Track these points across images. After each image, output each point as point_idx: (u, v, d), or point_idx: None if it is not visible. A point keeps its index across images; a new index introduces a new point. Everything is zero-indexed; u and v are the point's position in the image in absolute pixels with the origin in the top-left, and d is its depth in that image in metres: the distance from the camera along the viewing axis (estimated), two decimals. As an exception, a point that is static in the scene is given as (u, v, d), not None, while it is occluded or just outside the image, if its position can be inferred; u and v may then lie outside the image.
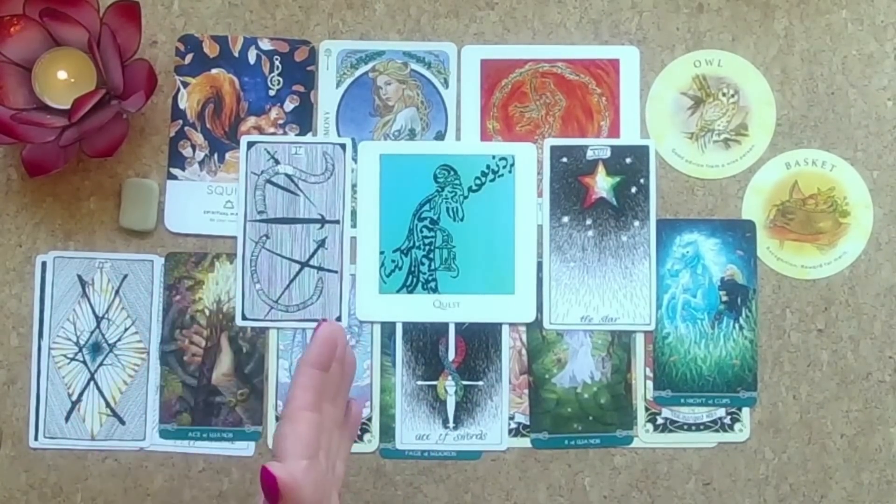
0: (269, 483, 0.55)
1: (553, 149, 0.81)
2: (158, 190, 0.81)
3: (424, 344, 0.81)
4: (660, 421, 0.80)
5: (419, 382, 0.81)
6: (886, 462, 0.80)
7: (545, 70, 0.82)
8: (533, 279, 0.81)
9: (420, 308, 0.81)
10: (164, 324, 0.81)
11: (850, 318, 0.81)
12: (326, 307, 0.81)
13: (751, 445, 0.80)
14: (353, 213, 0.81)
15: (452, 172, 0.81)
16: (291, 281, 0.81)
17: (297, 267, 0.81)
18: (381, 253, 0.81)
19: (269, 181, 0.81)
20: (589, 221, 0.81)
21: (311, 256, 0.81)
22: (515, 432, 0.80)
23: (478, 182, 0.81)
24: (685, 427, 0.80)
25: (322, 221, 0.81)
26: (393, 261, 0.81)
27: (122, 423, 0.80)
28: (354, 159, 0.81)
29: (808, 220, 0.81)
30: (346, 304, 0.81)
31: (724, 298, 0.81)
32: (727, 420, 0.80)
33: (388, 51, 0.82)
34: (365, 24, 0.82)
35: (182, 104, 0.82)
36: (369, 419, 0.80)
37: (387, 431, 0.80)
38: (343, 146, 0.81)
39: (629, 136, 0.82)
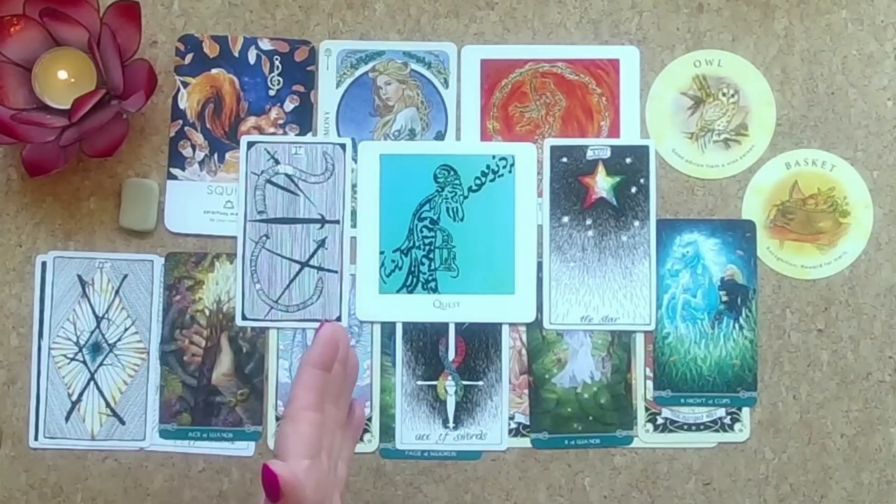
0: (271, 482, 0.55)
1: (553, 149, 0.81)
2: (158, 190, 0.81)
3: (424, 344, 0.81)
4: (660, 421, 0.80)
5: (419, 382, 0.81)
6: (886, 462, 0.80)
7: (545, 70, 0.82)
8: (533, 279, 0.81)
9: (420, 308, 0.81)
10: (164, 324, 0.81)
11: (850, 318, 0.81)
12: (326, 307, 0.81)
13: (751, 445, 0.80)
14: (353, 213, 0.81)
15: (452, 172, 0.81)
16: (291, 281, 0.81)
17: (297, 267, 0.81)
18: (381, 253, 0.81)
19: (269, 181, 0.81)
20: (589, 221, 0.81)
21: (311, 256, 0.81)
22: (515, 432, 0.80)
23: (478, 182, 0.81)
24: (685, 427, 0.80)
25: (322, 221, 0.81)
26: (393, 261, 0.81)
27: (122, 423, 0.80)
28: (354, 159, 0.81)
29: (808, 220, 0.81)
30: (346, 304, 0.81)
31: (724, 298, 0.81)
32: (727, 420, 0.80)
33: (388, 51, 0.82)
34: (365, 24, 0.82)
35: (182, 104, 0.82)
36: (369, 419, 0.80)
37: (387, 431, 0.80)
38: (343, 146, 0.81)
39: (629, 136, 0.82)
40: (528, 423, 0.80)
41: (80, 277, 0.81)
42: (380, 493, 0.80)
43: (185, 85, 0.82)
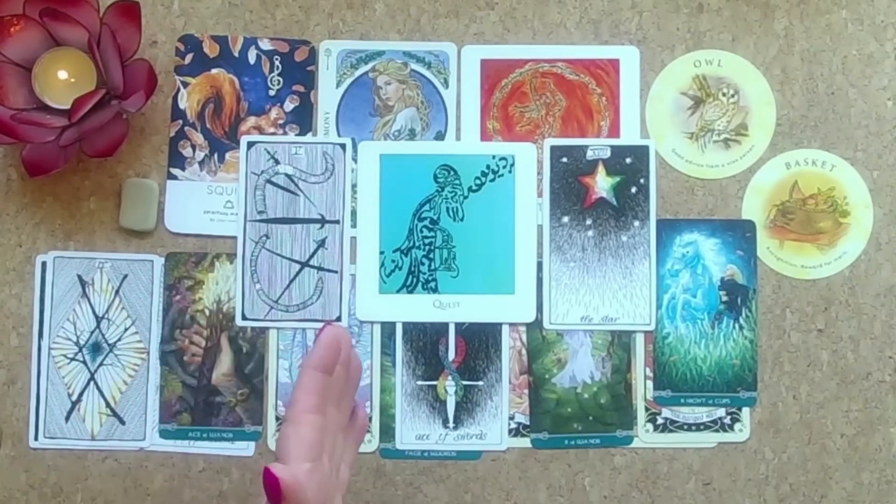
0: (272, 484, 0.55)
1: (553, 149, 0.81)
2: (158, 190, 0.81)
3: (424, 344, 0.81)
4: (660, 421, 0.80)
5: (419, 382, 0.81)
6: (886, 462, 0.80)
7: (545, 70, 0.82)
8: (533, 279, 0.81)
9: (420, 308, 0.81)
10: (164, 324, 0.81)
11: (850, 318, 0.81)
12: (326, 307, 0.81)
13: (751, 445, 0.80)
14: (353, 213, 0.81)
15: (452, 172, 0.81)
16: (291, 281, 0.81)
17: (297, 267, 0.81)
18: (381, 253, 0.81)
19: (269, 181, 0.81)
20: (589, 221, 0.81)
21: (311, 256, 0.81)
22: (515, 432, 0.80)
23: (478, 182, 0.81)
24: (685, 427, 0.80)
25: (322, 221, 0.81)
26: (393, 261, 0.81)
27: (122, 423, 0.80)
28: (354, 159, 0.81)
29: (808, 220, 0.81)
30: (346, 304, 0.81)
31: (724, 298, 0.81)
32: (727, 420, 0.80)
33: (388, 51, 0.82)
34: (365, 24, 0.82)
35: (182, 104, 0.82)
36: (369, 419, 0.80)
37: (387, 431, 0.80)
38: (343, 146, 0.81)
39: (629, 136, 0.82)
40: (528, 423, 0.80)
41: (80, 277, 0.81)
42: (380, 493, 0.80)
43: (185, 85, 0.82)
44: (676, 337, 0.80)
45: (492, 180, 0.81)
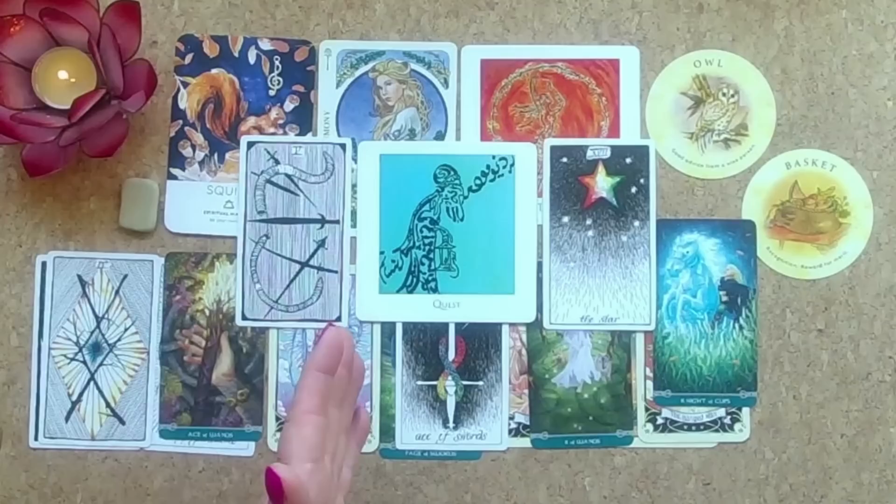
0: (274, 484, 0.55)
1: (553, 149, 0.81)
2: (158, 190, 0.81)
3: (424, 344, 0.81)
4: (660, 421, 0.80)
5: (419, 382, 0.81)
6: (886, 462, 0.80)
7: (545, 70, 0.82)
8: (533, 279, 0.81)
9: (420, 308, 0.81)
10: (164, 324, 0.81)
11: (850, 318, 0.81)
12: (326, 307, 0.81)
13: (751, 445, 0.80)
14: (353, 213, 0.81)
15: (452, 172, 0.81)
16: (291, 281, 0.81)
17: (297, 267, 0.81)
18: (381, 253, 0.81)
19: (269, 181, 0.81)
20: (589, 221, 0.81)
21: (311, 256, 0.81)
22: (515, 432, 0.80)
23: (478, 182, 0.81)
24: (685, 427, 0.80)
25: (322, 221, 0.81)
26: (393, 261, 0.81)
27: (122, 423, 0.80)
28: (354, 159, 0.81)
29: (808, 220, 0.81)
30: (346, 304, 0.81)
31: (724, 298, 0.81)
32: (727, 420, 0.80)
33: (388, 51, 0.82)
34: (365, 24, 0.82)
35: (182, 104, 0.82)
36: (369, 419, 0.80)
37: (387, 431, 0.80)
38: (343, 146, 0.81)
39: (629, 136, 0.82)
40: (528, 423, 0.80)
41: (80, 277, 0.81)
42: (380, 493, 0.80)
43: (185, 85, 0.82)
44: (676, 337, 0.80)
45: (492, 180, 0.81)
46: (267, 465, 0.56)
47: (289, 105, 0.82)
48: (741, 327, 0.80)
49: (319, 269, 0.81)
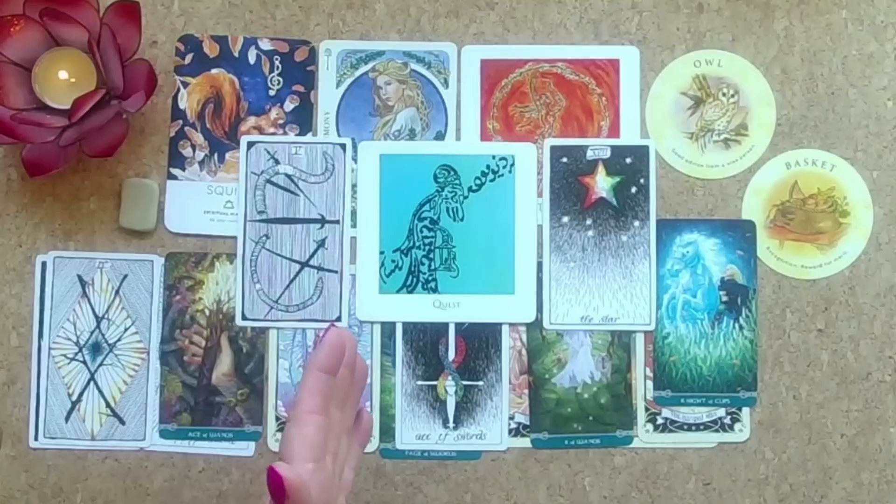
0: (276, 483, 0.55)
1: (553, 149, 0.81)
2: (158, 190, 0.81)
3: (424, 344, 0.81)
4: (660, 421, 0.80)
5: (419, 382, 0.81)
6: (886, 462, 0.80)
7: (545, 70, 0.82)
8: (533, 279, 0.81)
9: (420, 308, 0.81)
10: (164, 324, 0.81)
11: (850, 318, 0.81)
12: (326, 307, 0.81)
13: (751, 445, 0.80)
14: (353, 213, 0.81)
15: (452, 172, 0.81)
16: (291, 281, 0.81)
17: (297, 267, 0.81)
18: (381, 253, 0.81)
19: (269, 181, 0.81)
20: (589, 221, 0.81)
21: (311, 256, 0.81)
22: (515, 432, 0.80)
23: (478, 182, 0.81)
24: (685, 427, 0.80)
25: (322, 221, 0.81)
26: (393, 261, 0.81)
27: (122, 423, 0.80)
28: (354, 159, 0.81)
29: (808, 220, 0.81)
30: (346, 304, 0.81)
31: (724, 298, 0.81)
32: (727, 420, 0.80)
33: (388, 51, 0.82)
34: (365, 24, 0.82)
35: (182, 104, 0.82)
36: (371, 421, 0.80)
37: (387, 431, 0.80)
38: (343, 146, 0.81)
39: (629, 136, 0.82)
40: (528, 423, 0.80)
41: (80, 277, 0.81)
42: (380, 493, 0.80)
43: (185, 85, 0.82)
44: (676, 337, 0.80)
45: (492, 180, 0.81)
46: (269, 465, 0.56)
47: (289, 105, 0.82)
48: (741, 327, 0.80)
49: (319, 269, 0.81)
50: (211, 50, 0.82)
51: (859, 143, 0.81)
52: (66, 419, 0.80)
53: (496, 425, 0.80)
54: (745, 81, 0.82)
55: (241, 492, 0.80)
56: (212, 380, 0.80)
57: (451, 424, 0.80)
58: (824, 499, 0.80)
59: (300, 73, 0.82)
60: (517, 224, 0.81)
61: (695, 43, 0.82)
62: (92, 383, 0.80)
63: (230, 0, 0.82)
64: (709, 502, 0.80)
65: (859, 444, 0.80)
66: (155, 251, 0.81)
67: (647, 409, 0.80)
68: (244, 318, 0.80)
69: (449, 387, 0.81)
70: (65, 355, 0.80)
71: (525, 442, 0.80)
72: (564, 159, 0.81)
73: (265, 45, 0.82)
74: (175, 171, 0.81)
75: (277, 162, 0.81)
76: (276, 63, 0.82)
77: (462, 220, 0.81)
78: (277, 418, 0.80)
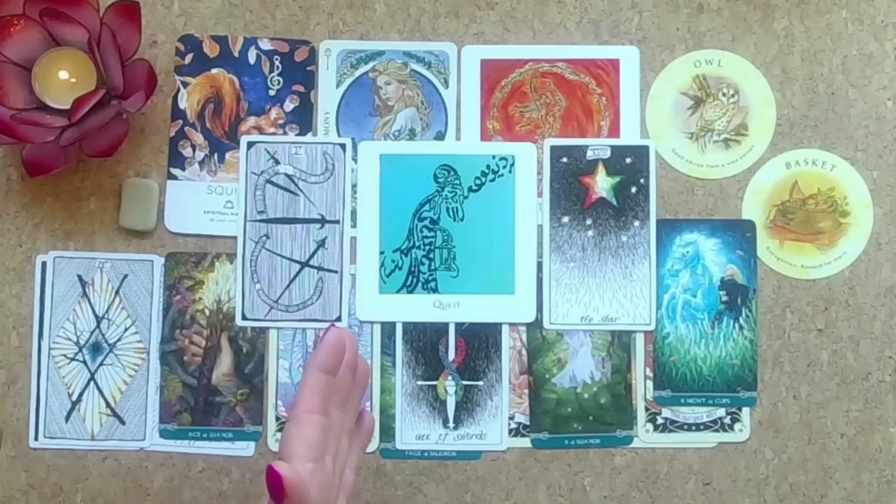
0: (275, 482, 0.55)
1: (553, 149, 0.81)
2: (158, 190, 0.81)
3: (424, 344, 0.81)
4: (660, 421, 0.80)
5: (419, 382, 0.81)
6: (886, 462, 0.80)
7: (545, 70, 0.82)
8: (533, 279, 0.81)
9: (420, 308, 0.81)
10: (164, 324, 0.81)
11: (850, 318, 0.81)
12: (326, 307, 0.81)
13: (751, 445, 0.80)
14: (353, 213, 0.81)
15: (452, 172, 0.81)
16: (291, 281, 0.81)
17: (297, 267, 0.81)
18: (381, 253, 0.81)
19: (269, 181, 0.81)
20: (589, 221, 0.81)
21: (311, 256, 0.81)
22: (515, 432, 0.80)
23: (478, 182, 0.81)
24: (685, 427, 0.80)
25: (322, 221, 0.81)
26: (393, 261, 0.81)
27: (122, 423, 0.80)
28: (354, 159, 0.81)
29: (808, 220, 0.81)
30: (346, 304, 0.81)
31: (724, 298, 0.81)
32: (727, 420, 0.80)
33: (388, 51, 0.82)
34: (365, 24, 0.82)
35: (182, 104, 0.82)
36: (373, 422, 0.80)
37: (387, 431, 0.80)
38: (343, 146, 0.81)
39: (629, 136, 0.82)
40: (528, 423, 0.80)
41: (80, 277, 0.81)
42: (380, 493, 0.80)
43: (185, 85, 0.82)
44: (676, 337, 0.80)
45: (492, 180, 0.81)
46: (268, 463, 0.56)
47: (289, 105, 0.82)
48: (741, 327, 0.80)
49: (319, 269, 0.81)
50: (211, 50, 0.82)
51: (859, 143, 0.81)
52: (66, 419, 0.80)
53: (496, 425, 0.80)
54: (745, 81, 0.82)
55: (241, 492, 0.80)
56: (212, 380, 0.80)
57: (451, 424, 0.80)
58: (824, 499, 0.80)
59: (300, 73, 0.82)
60: (517, 224, 0.81)
61: (695, 43, 0.82)
62: (92, 383, 0.80)
63: (230, 0, 0.82)
64: (709, 502, 0.80)
65: (859, 444, 0.80)
66: (155, 251, 0.81)
67: (647, 409, 0.80)
68: (244, 318, 0.81)
69: (449, 387, 0.81)
70: (65, 355, 0.80)
71: (525, 442, 0.80)
72: (564, 159, 0.81)
73: (265, 45, 0.82)
74: (175, 171, 0.81)
75: (277, 162, 0.81)
76: (276, 63, 0.82)
77: (462, 220, 0.81)
78: (277, 418, 0.80)
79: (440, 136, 0.82)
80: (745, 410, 0.80)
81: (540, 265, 0.81)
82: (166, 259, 0.81)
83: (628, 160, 0.81)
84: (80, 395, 0.80)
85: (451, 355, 0.81)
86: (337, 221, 0.81)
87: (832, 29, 0.82)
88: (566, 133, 0.82)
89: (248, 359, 0.81)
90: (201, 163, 0.81)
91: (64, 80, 0.78)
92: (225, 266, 0.81)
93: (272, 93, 0.82)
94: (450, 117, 0.82)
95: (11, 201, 0.81)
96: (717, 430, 0.80)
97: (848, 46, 0.82)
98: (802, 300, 0.81)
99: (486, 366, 0.80)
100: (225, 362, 0.80)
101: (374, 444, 0.80)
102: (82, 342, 0.80)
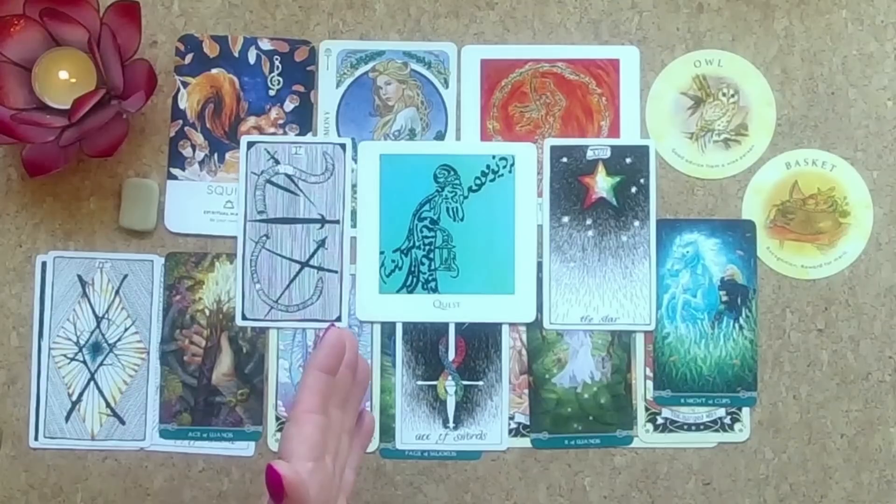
0: (275, 481, 0.55)
1: (553, 149, 0.81)
2: (158, 190, 0.81)
3: (424, 344, 0.81)
4: (660, 421, 0.80)
5: (419, 382, 0.81)
6: (886, 462, 0.80)
7: (545, 70, 0.82)
8: (533, 279, 0.81)
9: (420, 308, 0.81)
10: (164, 324, 0.81)
11: (850, 318, 0.81)
12: (326, 307, 0.81)
13: (751, 445, 0.80)
14: (353, 213, 0.81)
15: (452, 172, 0.81)
16: (291, 281, 0.81)
17: (297, 267, 0.81)
18: (381, 253, 0.81)
19: (269, 181, 0.81)
20: (589, 221, 0.81)
21: (311, 256, 0.81)
22: (515, 432, 0.80)
23: (478, 182, 0.81)
24: (685, 427, 0.80)
25: (322, 221, 0.81)
26: (393, 261, 0.81)
27: (122, 423, 0.80)
28: (354, 159, 0.81)
29: (808, 220, 0.81)
30: (346, 304, 0.81)
31: (724, 298, 0.81)
32: (727, 420, 0.80)
33: (388, 51, 0.82)
34: (365, 24, 0.82)
35: (182, 104, 0.82)
36: (373, 422, 0.80)
37: (387, 431, 0.80)
38: (343, 146, 0.81)
39: (629, 136, 0.82)
40: (528, 423, 0.80)
41: (80, 277, 0.81)
42: (380, 493, 0.80)
43: (185, 85, 0.82)
44: (676, 337, 0.80)
45: (492, 180, 0.81)
46: (268, 463, 0.56)
47: (289, 105, 0.82)
48: (741, 327, 0.80)
49: (319, 269, 0.81)
50: (211, 50, 0.82)
51: (859, 143, 0.81)
52: (66, 419, 0.80)
53: (496, 425, 0.80)
54: (745, 81, 0.82)
55: (241, 492, 0.80)
56: (212, 380, 0.80)
57: (451, 424, 0.80)
58: (824, 499, 0.80)
59: (300, 73, 0.82)
60: (517, 224, 0.81)
61: (695, 43, 0.82)
62: (92, 383, 0.80)
63: (230, 0, 0.82)
64: (709, 502, 0.80)
65: (859, 444, 0.80)
66: (155, 251, 0.81)
67: (647, 409, 0.80)
68: (244, 318, 0.81)
69: (449, 387, 0.81)
70: (65, 355, 0.80)
71: (525, 442, 0.80)
72: (564, 159, 0.81)
73: (265, 45, 0.82)
74: (175, 171, 0.81)
75: (277, 162, 0.81)
76: (276, 63, 0.82)
77: (462, 220, 0.81)
78: (277, 418, 0.80)
79: (440, 136, 0.82)
80: (745, 410, 0.80)
81: (540, 265, 0.81)
82: (166, 259, 0.81)
83: (628, 160, 0.81)
84: (80, 395, 0.80)
85: (451, 355, 0.81)
86: (337, 221, 0.81)
87: (832, 29, 0.82)
88: (566, 133, 0.82)
89: (248, 359, 0.81)
90: (201, 163, 0.81)
91: (64, 80, 0.78)
92: (225, 266, 0.81)
93: (272, 93, 0.82)
94: (450, 117, 0.82)
95: (11, 201, 0.81)
96: (717, 430, 0.80)
97: (848, 46, 0.82)
98: (802, 300, 0.81)
99: (486, 366, 0.80)
100: (225, 362, 0.80)
101: (374, 444, 0.80)
102: (82, 342, 0.80)
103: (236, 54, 0.82)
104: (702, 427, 0.80)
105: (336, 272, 0.81)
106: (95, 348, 0.80)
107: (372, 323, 0.81)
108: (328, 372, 0.60)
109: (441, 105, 0.82)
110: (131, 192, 0.81)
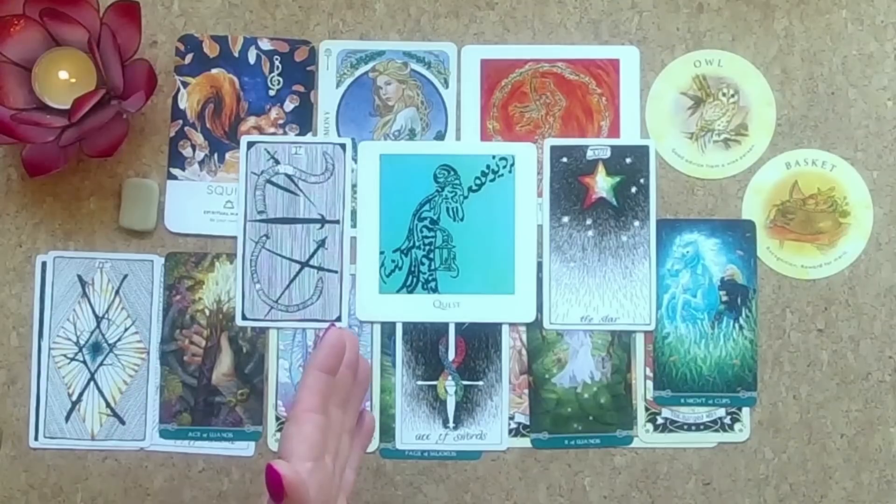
0: (274, 481, 0.55)
1: (553, 149, 0.81)
2: (158, 190, 0.81)
3: (424, 344, 0.81)
4: (660, 421, 0.80)
5: (419, 382, 0.81)
6: (886, 462, 0.80)
7: (545, 70, 0.82)
8: (533, 279, 0.81)
9: (420, 308, 0.81)
10: (164, 324, 0.81)
11: (850, 318, 0.81)
12: (326, 307, 0.81)
13: (751, 445, 0.80)
14: (353, 213, 0.81)
15: (452, 172, 0.81)
16: (291, 281, 0.81)
17: (297, 267, 0.81)
18: (381, 253, 0.81)
19: (269, 181, 0.81)
20: (589, 221, 0.81)
21: (311, 256, 0.81)
22: (515, 432, 0.80)
23: (478, 182, 0.81)
24: (685, 427, 0.80)
25: (322, 221, 0.81)
26: (393, 261, 0.81)
27: (122, 423, 0.80)
28: (354, 159, 0.81)
29: (808, 220, 0.81)
30: (346, 304, 0.81)
31: (724, 298, 0.81)
32: (727, 420, 0.80)
33: (388, 51, 0.82)
34: (365, 24, 0.82)
35: (182, 104, 0.82)
36: (374, 422, 0.80)
37: (387, 431, 0.80)
38: (343, 146, 0.81)
39: (629, 136, 0.82)
40: (528, 423, 0.80)
41: (80, 277, 0.81)
42: (380, 493, 0.80)
43: (185, 85, 0.82)
44: (676, 337, 0.80)
45: (492, 180, 0.81)
46: (268, 462, 0.56)
47: (289, 105, 0.82)
48: (741, 327, 0.80)
49: (319, 269, 0.81)
50: (211, 50, 0.82)
51: (859, 143, 0.81)
52: (66, 419, 0.80)
53: (496, 425, 0.80)
54: (745, 81, 0.82)
55: (241, 492, 0.80)
56: (212, 380, 0.80)
57: (451, 424, 0.80)
58: (824, 499, 0.80)
59: (300, 73, 0.82)
60: (517, 224, 0.81)
61: (695, 43, 0.82)
62: (92, 383, 0.80)
63: (230, 0, 0.82)
64: (709, 502, 0.80)
65: (859, 444, 0.80)
66: (155, 251, 0.81)
67: (647, 409, 0.80)
68: (244, 318, 0.81)
69: (449, 387, 0.81)
70: (65, 355, 0.80)
71: (525, 442, 0.80)
72: (564, 159, 0.81)
73: (265, 45, 0.82)
74: (175, 171, 0.81)
75: (277, 162, 0.81)
76: (276, 63, 0.82)
77: (462, 220, 0.81)
78: (277, 418, 0.80)
79: (440, 136, 0.82)
80: (745, 410, 0.80)
81: (540, 265, 0.81)
82: (166, 259, 0.81)
83: (628, 160, 0.81)
84: (80, 395, 0.80)
85: (451, 355, 0.81)
86: (337, 221, 0.81)
87: (832, 29, 0.82)
88: (566, 133, 0.82)
89: (248, 359, 0.81)
90: (201, 163, 0.81)
91: (64, 80, 0.78)
92: (225, 266, 0.81)
93: (272, 93, 0.82)
94: (450, 117, 0.82)
95: (11, 201, 0.81)
96: (717, 430, 0.80)
97: (848, 46, 0.82)
98: (802, 300, 0.81)
99: (486, 366, 0.80)
100: (225, 362, 0.80)
101: (374, 444, 0.80)
102: (82, 342, 0.80)
103: (236, 54, 0.82)
104: (702, 427, 0.80)
105: (336, 272, 0.81)
106: (95, 348, 0.80)
107: (372, 323, 0.81)
108: (328, 372, 0.60)
109: (441, 105, 0.82)
110: (131, 192, 0.81)
